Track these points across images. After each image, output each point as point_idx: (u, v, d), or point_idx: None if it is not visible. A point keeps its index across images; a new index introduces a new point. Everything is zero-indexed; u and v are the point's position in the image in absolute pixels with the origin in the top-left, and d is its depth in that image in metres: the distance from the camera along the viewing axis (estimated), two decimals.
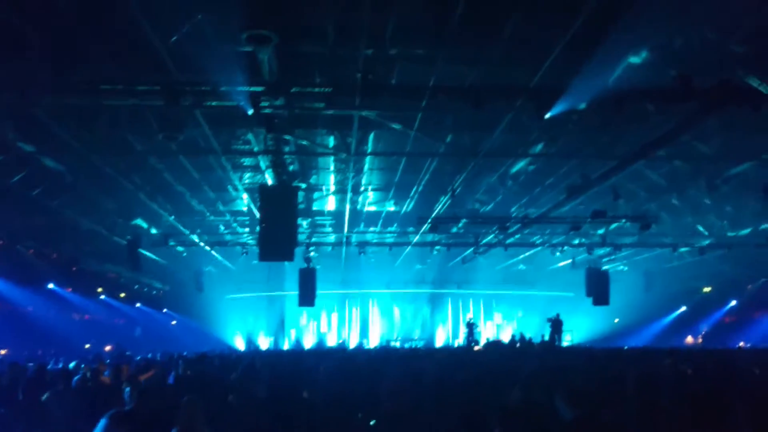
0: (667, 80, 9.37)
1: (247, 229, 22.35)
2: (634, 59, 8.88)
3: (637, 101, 9.79)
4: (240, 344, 33.63)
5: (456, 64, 9.86)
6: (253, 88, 9.65)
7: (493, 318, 35.52)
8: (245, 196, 17.93)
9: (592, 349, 22.64)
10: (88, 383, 9.86)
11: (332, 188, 17.77)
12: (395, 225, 22.09)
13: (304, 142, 13.36)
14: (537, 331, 28.62)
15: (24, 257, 20.24)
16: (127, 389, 6.47)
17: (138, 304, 29.79)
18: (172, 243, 21.63)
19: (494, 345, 24.07)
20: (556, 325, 25.15)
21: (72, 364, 11.82)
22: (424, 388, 9.65)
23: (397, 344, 31.57)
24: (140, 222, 19.50)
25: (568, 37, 8.49)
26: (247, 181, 16.82)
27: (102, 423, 5.90)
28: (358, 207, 19.71)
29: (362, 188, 17.60)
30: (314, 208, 19.88)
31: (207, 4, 7.91)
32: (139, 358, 17.06)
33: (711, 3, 7.75)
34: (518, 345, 24.41)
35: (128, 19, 7.93)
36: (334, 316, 35.05)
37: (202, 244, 22.45)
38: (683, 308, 31.57)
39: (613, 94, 9.48)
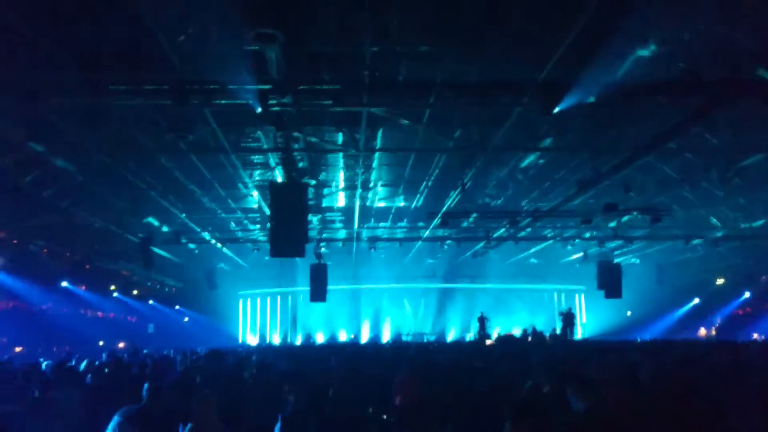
0: (676, 73, 9.32)
1: (258, 226, 22.45)
2: (643, 52, 8.82)
3: (646, 94, 9.73)
4: (252, 340, 33.81)
5: (463, 59, 9.82)
6: (261, 86, 9.69)
7: (504, 312, 35.41)
8: (255, 193, 18.02)
9: (604, 342, 22.64)
10: (103, 379, 9.98)
11: (342, 184, 17.80)
12: (405, 220, 22.10)
13: (313, 139, 13.39)
14: (549, 324, 28.58)
15: (37, 256, 20.44)
16: (146, 386, 6.52)
17: (151, 302, 30.03)
18: (183, 241, 21.73)
19: (506, 339, 24.07)
20: (568, 318, 25.10)
21: (84, 362, 11.93)
22: (435, 383, 9.69)
23: (409, 339, 31.62)
24: (152, 220, 19.61)
25: (575, 31, 8.44)
26: (257, 178, 16.88)
27: (115, 420, 5.96)
28: (368, 203, 19.73)
29: (372, 184, 17.61)
30: (324, 204, 19.92)
31: (214, 4, 7.93)
32: (145, 352, 17.23)
33: None
34: (530, 339, 24.41)
35: (136, 19, 7.98)
36: (345, 311, 35.10)
37: (213, 241, 22.56)
38: (696, 300, 31.40)
39: (621, 88, 9.43)
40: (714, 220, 20.85)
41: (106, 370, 11.08)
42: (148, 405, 6.27)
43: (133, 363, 12.46)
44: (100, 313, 27.60)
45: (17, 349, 21.33)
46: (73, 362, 13.49)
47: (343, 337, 33.88)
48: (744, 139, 12.99)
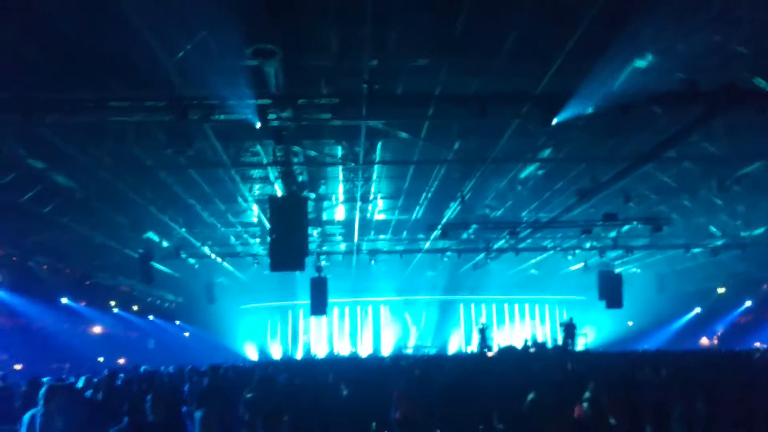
0: (674, 83, 9.35)
1: (257, 240, 22.42)
2: (640, 63, 8.86)
3: (643, 105, 9.75)
4: (253, 355, 33.68)
5: (461, 72, 9.88)
6: (260, 101, 9.72)
7: (505, 323, 35.30)
8: (255, 207, 18.01)
9: (606, 353, 22.57)
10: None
11: (341, 197, 17.81)
12: (405, 232, 22.08)
13: (313, 153, 13.42)
14: (550, 335, 28.49)
15: (37, 273, 20.41)
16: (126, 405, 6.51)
17: (151, 317, 29.94)
18: (183, 255, 21.71)
19: (507, 351, 23.98)
20: (569, 329, 25.02)
21: (82, 379, 11.87)
22: (435, 396, 9.66)
23: (410, 352, 31.51)
24: (152, 235, 19.60)
25: (572, 43, 8.50)
26: (256, 192, 16.89)
27: None
28: (368, 215, 19.73)
29: (371, 197, 17.62)
30: (324, 217, 19.93)
31: (212, 20, 7.97)
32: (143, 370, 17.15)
33: (715, 5, 7.74)
34: (532, 350, 24.32)
35: (135, 35, 8.01)
36: (347, 325, 34.99)
37: (213, 255, 22.53)
38: (697, 309, 31.32)
39: (619, 98, 9.45)
40: (713, 229, 20.85)
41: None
42: (130, 423, 6.19)
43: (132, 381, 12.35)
44: (100, 329, 27.51)
45: (17, 367, 21.23)
46: (72, 379, 13.43)
47: (343, 350, 33.74)
48: (742, 148, 13.01)
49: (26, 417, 6.62)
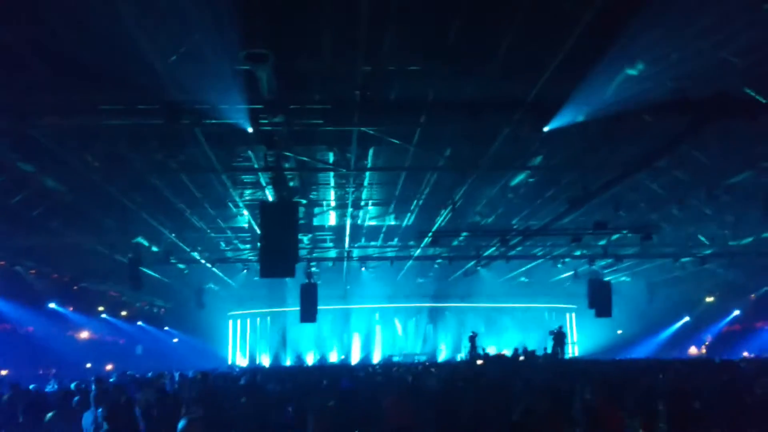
0: (665, 92, 9.39)
1: (248, 246, 22.33)
2: (632, 72, 8.90)
3: (635, 113, 9.79)
4: (242, 361, 33.54)
5: (454, 78, 9.86)
6: (252, 106, 9.70)
7: (495, 331, 35.29)
8: (246, 212, 17.94)
9: (596, 361, 22.64)
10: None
11: (333, 203, 17.77)
12: (396, 239, 22.06)
13: (304, 158, 13.38)
14: (540, 343, 28.51)
15: (25, 277, 20.25)
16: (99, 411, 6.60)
17: (139, 323, 29.75)
18: (173, 260, 21.57)
19: (497, 359, 23.98)
20: (559, 337, 25.04)
21: (72, 385, 11.76)
22: (425, 404, 9.63)
23: (400, 359, 31.45)
24: (141, 240, 19.47)
25: (565, 51, 8.51)
26: (247, 197, 16.82)
27: None
28: (359, 221, 19.69)
29: (363, 203, 17.58)
30: (315, 223, 19.87)
31: (205, 24, 7.94)
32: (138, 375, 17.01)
33: (707, 16, 7.78)
34: (521, 358, 24.33)
35: (127, 39, 7.97)
36: (336, 331, 34.88)
37: (203, 261, 22.41)
38: (686, 318, 31.47)
39: (611, 107, 9.49)
40: (702, 238, 20.95)
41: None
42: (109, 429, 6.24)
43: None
44: (87, 335, 27.30)
45: (2, 372, 21.02)
46: (56, 386, 13.31)
47: (333, 357, 33.66)
48: (732, 157, 13.09)
49: (86, 415, 8.13)
